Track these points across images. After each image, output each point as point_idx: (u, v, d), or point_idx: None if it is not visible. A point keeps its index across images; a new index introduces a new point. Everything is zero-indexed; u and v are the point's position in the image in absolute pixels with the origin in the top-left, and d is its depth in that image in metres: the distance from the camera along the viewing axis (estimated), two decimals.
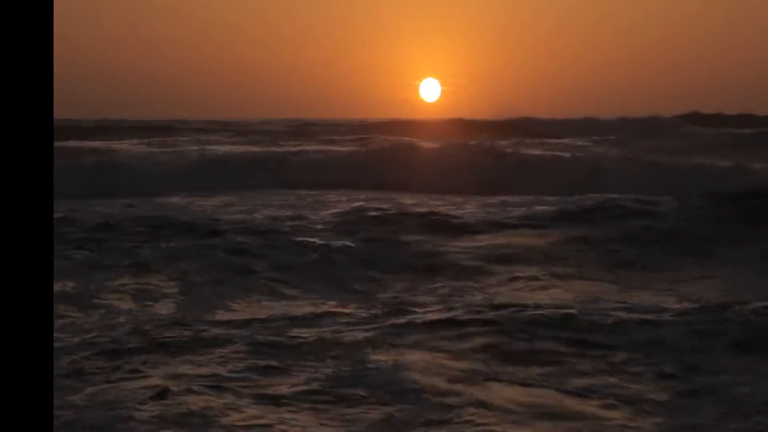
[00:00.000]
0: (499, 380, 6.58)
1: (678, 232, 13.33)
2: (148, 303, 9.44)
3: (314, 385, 6.39)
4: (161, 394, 6.08)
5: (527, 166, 25.37)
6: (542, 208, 16.44)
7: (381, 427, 5.72)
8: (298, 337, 7.64)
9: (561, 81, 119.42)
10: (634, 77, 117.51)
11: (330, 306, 9.26)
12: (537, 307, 8.47)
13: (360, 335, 7.62)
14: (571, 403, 6.12)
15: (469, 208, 17.08)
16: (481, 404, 6.04)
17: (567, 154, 26.78)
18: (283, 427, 5.67)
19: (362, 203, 17.66)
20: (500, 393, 6.29)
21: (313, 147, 31.35)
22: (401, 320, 8.15)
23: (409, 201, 18.82)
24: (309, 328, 7.93)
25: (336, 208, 16.74)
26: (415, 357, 7.05)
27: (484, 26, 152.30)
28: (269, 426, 5.66)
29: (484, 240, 13.34)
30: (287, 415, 5.86)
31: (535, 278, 10.86)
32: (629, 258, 12.17)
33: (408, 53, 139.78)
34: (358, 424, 5.76)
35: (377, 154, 27.13)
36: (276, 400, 6.10)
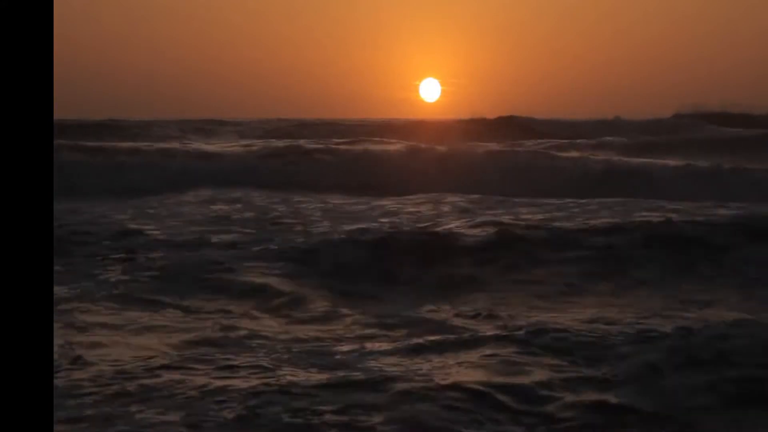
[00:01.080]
0: None
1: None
2: None
3: None
4: None
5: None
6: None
7: None
8: None
9: (561, 81, 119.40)
10: (634, 77, 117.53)
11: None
12: None
13: None
14: None
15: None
16: None
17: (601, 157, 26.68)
18: None
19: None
20: None
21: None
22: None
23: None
24: None
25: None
26: None
27: (484, 26, 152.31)
28: None
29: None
30: None
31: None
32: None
33: (408, 53, 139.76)
34: None
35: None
36: None
